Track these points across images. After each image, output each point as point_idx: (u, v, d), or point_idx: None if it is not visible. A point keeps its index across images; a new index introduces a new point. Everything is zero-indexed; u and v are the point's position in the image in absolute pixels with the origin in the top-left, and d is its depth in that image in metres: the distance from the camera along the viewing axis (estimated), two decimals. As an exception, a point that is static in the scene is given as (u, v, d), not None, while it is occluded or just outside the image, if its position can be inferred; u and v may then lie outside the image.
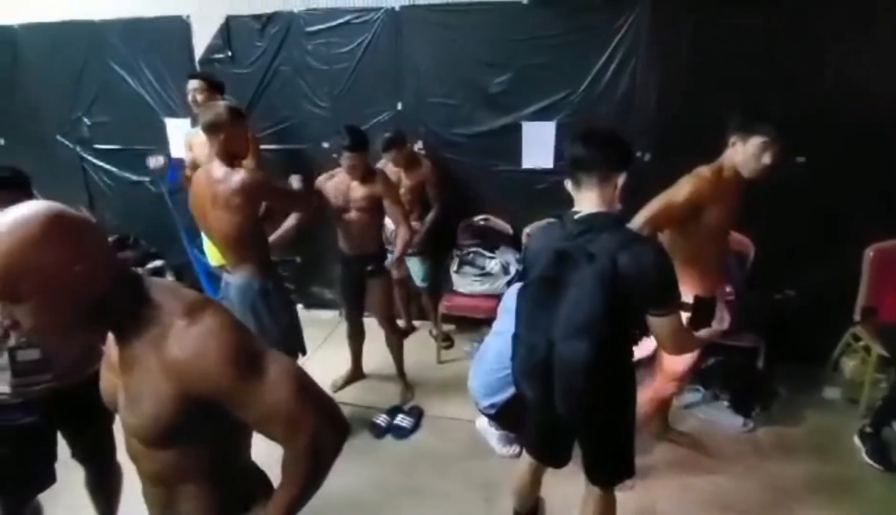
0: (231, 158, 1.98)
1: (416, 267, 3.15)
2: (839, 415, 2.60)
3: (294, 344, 2.21)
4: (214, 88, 2.93)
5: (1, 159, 3.70)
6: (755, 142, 1.74)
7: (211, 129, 1.96)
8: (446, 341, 3.29)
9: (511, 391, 2.12)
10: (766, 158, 1.75)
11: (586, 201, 1.36)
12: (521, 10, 2.87)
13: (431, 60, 3.06)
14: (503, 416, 2.22)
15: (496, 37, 2.93)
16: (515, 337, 1.48)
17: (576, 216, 1.36)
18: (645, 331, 1.35)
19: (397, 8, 3.01)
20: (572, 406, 1.38)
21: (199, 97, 2.87)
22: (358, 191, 2.45)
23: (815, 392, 2.75)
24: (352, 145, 2.35)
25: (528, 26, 2.88)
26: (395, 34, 3.05)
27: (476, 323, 3.20)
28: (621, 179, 1.34)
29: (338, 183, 2.48)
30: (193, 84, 2.89)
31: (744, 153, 1.77)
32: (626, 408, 1.47)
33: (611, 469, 1.56)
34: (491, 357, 2.18)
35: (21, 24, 3.53)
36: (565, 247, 1.34)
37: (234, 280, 2.09)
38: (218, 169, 1.98)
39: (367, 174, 2.44)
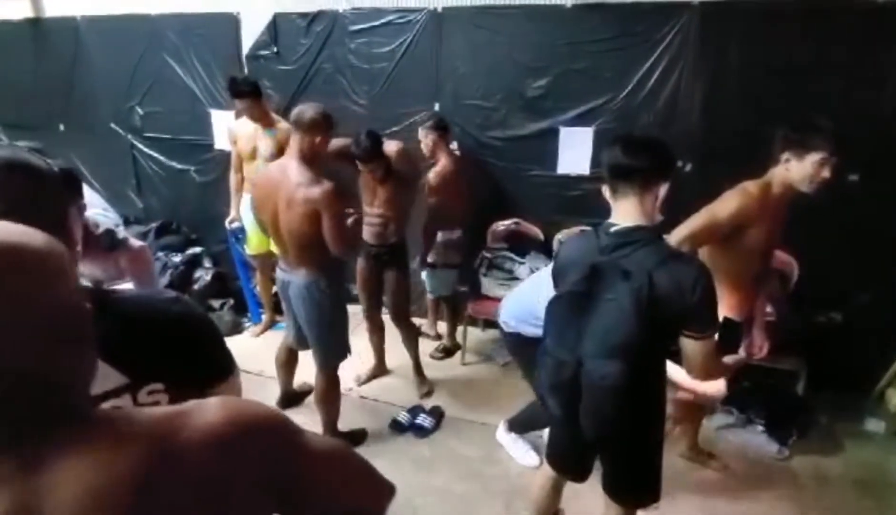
0: (313, 161, 1.97)
1: (447, 276, 3.02)
2: (882, 449, 2.45)
3: (340, 349, 2.25)
4: (258, 93, 2.89)
5: (59, 144, 3.92)
6: (812, 158, 1.65)
7: (309, 127, 1.94)
8: (442, 353, 3.19)
9: (531, 332, 1.99)
10: (826, 172, 1.66)
11: (624, 211, 1.29)
12: (564, 14, 2.84)
13: (471, 62, 3.06)
14: (514, 343, 2.16)
15: (537, 40, 2.91)
16: (543, 351, 1.43)
17: (612, 229, 1.29)
18: (678, 350, 1.30)
19: (440, 9, 3.03)
20: (599, 427, 1.33)
21: (248, 115, 2.90)
22: (383, 191, 2.56)
23: (858, 423, 2.60)
24: (364, 156, 2.41)
25: (570, 31, 2.84)
26: (435, 35, 3.07)
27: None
28: (663, 190, 1.27)
29: (366, 179, 2.57)
30: (240, 104, 2.86)
31: (800, 170, 1.68)
32: (654, 431, 1.42)
33: (635, 491, 1.50)
34: (525, 296, 2.08)
35: (83, 16, 3.73)
36: (599, 262, 1.27)
37: (295, 279, 2.10)
38: (298, 172, 1.94)
39: (387, 175, 2.53)
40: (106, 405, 0.73)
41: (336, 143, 2.36)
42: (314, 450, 0.61)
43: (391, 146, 2.61)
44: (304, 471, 0.58)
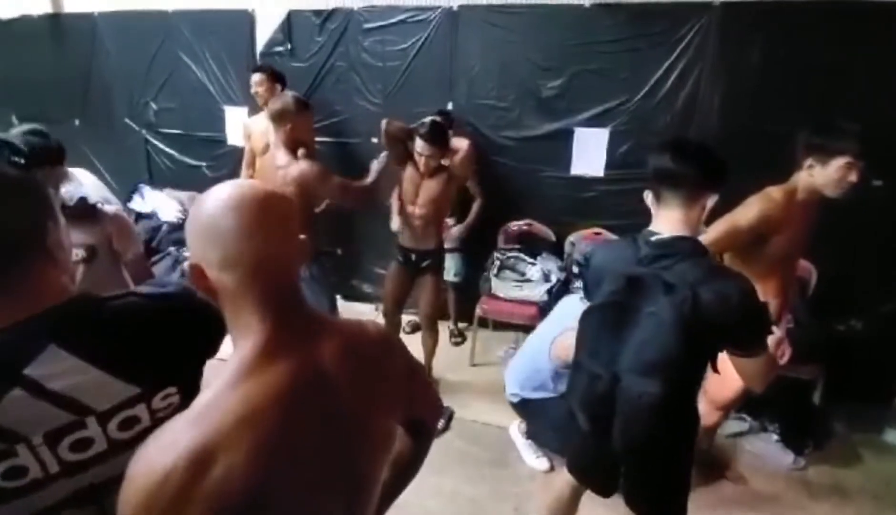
0: (295, 146, 2.09)
1: (449, 262, 3.08)
2: (902, 462, 2.40)
3: None
4: (276, 79, 3.04)
5: (74, 139, 3.94)
6: (837, 164, 1.61)
7: (278, 118, 2.07)
8: (458, 336, 3.33)
9: (540, 394, 2.12)
10: (853, 176, 1.62)
11: (667, 220, 1.23)
12: (581, 13, 2.81)
13: (485, 61, 3.04)
14: (523, 411, 2.23)
15: (553, 40, 2.88)
16: (576, 365, 1.37)
17: (653, 238, 1.22)
18: (714, 367, 1.26)
19: (455, 7, 3.01)
20: (632, 444, 1.28)
21: (261, 90, 3.00)
22: (428, 189, 2.46)
23: (877, 435, 2.55)
24: (429, 137, 2.35)
25: (587, 31, 2.81)
26: (450, 34, 3.05)
27: (512, 328, 3.15)
28: (711, 202, 1.21)
29: (411, 175, 2.49)
30: (256, 78, 3.01)
31: (824, 176, 1.64)
32: (687, 447, 1.37)
33: (662, 507, 1.45)
34: (527, 354, 2.17)
35: (100, 12, 3.76)
36: (638, 273, 1.21)
37: None
38: (282, 157, 2.08)
39: (438, 169, 2.48)
40: (118, 418, 0.72)
41: (394, 125, 2.43)
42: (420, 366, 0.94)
43: (462, 143, 2.57)
44: (417, 373, 0.91)
